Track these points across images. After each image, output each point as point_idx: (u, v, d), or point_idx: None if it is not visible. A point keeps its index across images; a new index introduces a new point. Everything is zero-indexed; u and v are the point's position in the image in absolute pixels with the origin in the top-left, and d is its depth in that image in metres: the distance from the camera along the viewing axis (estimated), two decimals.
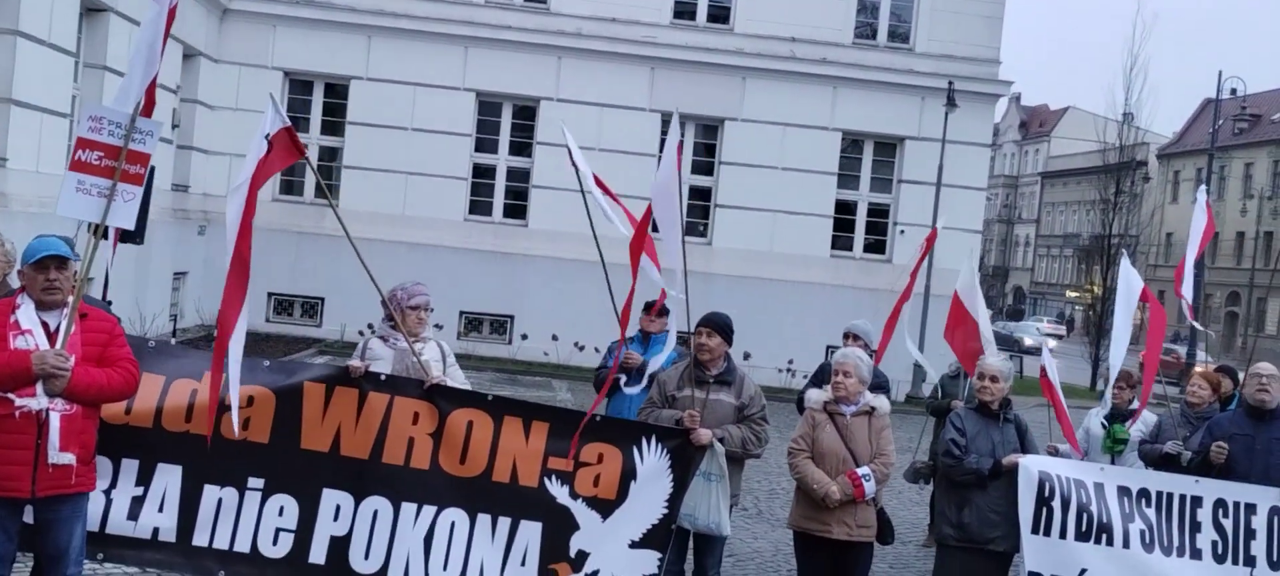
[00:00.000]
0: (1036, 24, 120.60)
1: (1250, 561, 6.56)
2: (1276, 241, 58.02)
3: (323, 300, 21.32)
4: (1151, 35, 75.74)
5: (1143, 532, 6.59)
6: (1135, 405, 8.68)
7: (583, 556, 5.94)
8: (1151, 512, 6.59)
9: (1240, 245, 60.92)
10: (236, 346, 5.18)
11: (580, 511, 5.95)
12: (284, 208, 20.69)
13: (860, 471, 6.35)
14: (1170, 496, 6.65)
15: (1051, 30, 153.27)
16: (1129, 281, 7.93)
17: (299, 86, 21.61)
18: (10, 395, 4.84)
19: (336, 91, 21.65)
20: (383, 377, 6.00)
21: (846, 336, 8.49)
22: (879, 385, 7.63)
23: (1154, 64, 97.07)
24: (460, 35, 21.32)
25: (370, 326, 6.63)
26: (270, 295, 21.10)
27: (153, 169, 6.24)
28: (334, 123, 21.56)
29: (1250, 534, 6.59)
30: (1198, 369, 9.34)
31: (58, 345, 4.95)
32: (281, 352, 17.16)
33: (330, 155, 21.64)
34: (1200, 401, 8.23)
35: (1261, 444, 6.99)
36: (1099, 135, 38.45)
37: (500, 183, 22.04)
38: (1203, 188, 9.24)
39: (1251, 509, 6.62)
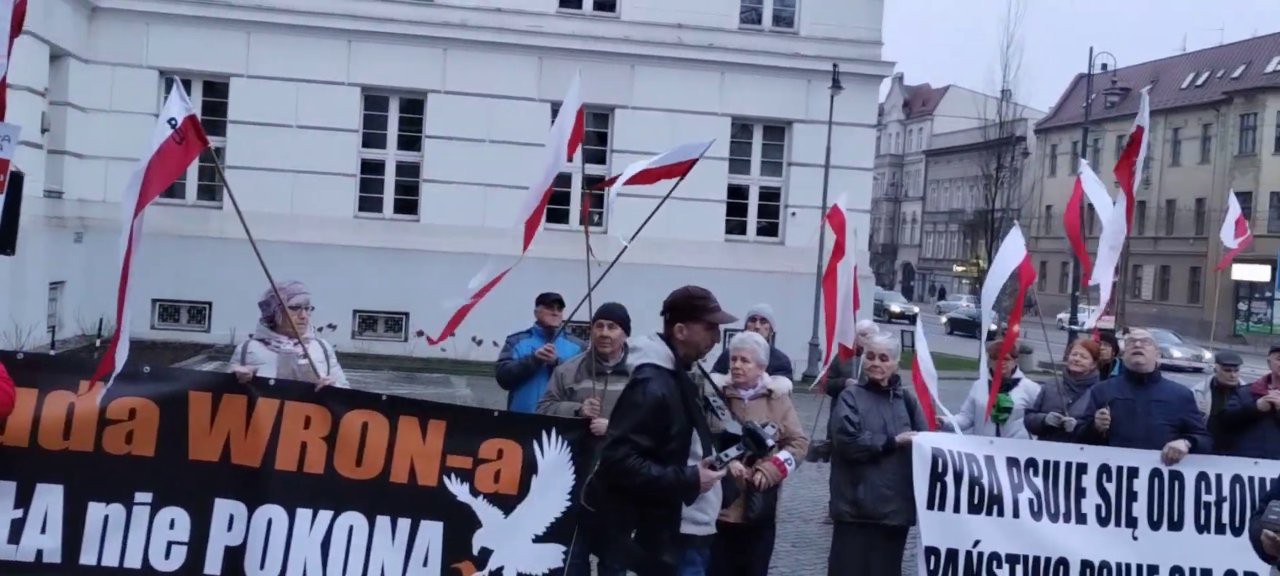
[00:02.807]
0: (916, 4, 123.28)
1: (1132, 523, 6.82)
2: (1149, 210, 60.29)
3: (210, 305, 20.78)
4: (1026, 14, 78.09)
5: (1031, 501, 6.80)
6: (1018, 375, 8.95)
7: (486, 553, 5.88)
8: (1039, 481, 6.80)
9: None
10: (123, 344, 5.05)
11: (482, 508, 5.89)
12: (166, 211, 20.07)
13: (781, 456, 6.42)
14: (1056, 464, 6.87)
15: (931, 10, 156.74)
16: (1010, 249, 8.16)
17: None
18: None
19: (216, 90, 21.08)
20: (272, 382, 5.86)
21: (751, 319, 8.56)
22: (780, 366, 7.74)
23: (1030, 42, 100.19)
24: (343, 29, 20.93)
25: (256, 329, 6.45)
26: (155, 301, 20.50)
27: (18, 175, 5.98)
28: (215, 122, 20.99)
29: (1132, 497, 6.84)
30: (1079, 338, 9.65)
31: None
32: (169, 360, 16.68)
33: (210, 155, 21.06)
34: (1082, 369, 8.51)
35: (1142, 407, 7.25)
36: (979, 112, 39.64)
37: (390, 178, 21.73)
38: (1083, 161, 9.54)
39: (1134, 472, 6.87)
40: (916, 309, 56.75)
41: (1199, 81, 61.32)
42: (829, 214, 11.14)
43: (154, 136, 5.23)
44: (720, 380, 6.69)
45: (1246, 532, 6.49)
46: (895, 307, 49.93)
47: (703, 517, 5.21)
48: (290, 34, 20.74)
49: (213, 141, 20.92)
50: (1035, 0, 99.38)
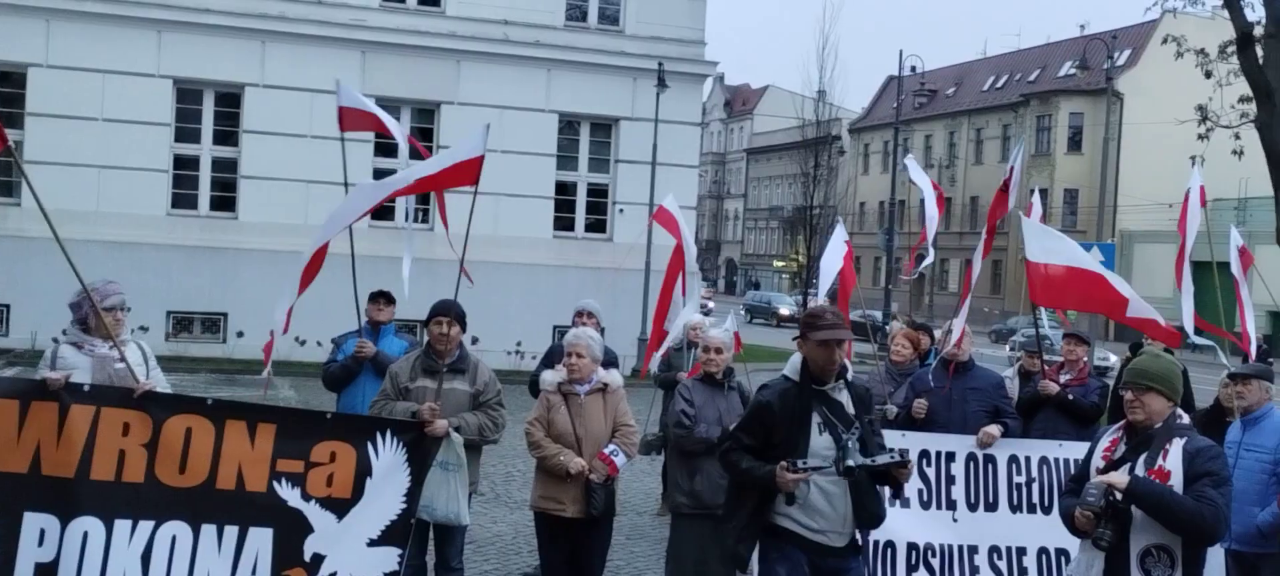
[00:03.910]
0: (736, 5, 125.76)
1: (952, 505, 7.14)
2: (954, 206, 63.16)
3: (8, 307, 19.55)
4: (841, 16, 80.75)
5: None
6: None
7: (318, 559, 5.74)
8: None
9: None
10: None
11: (314, 513, 5.74)
12: None
13: (607, 449, 6.45)
14: None
15: (750, 12, 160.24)
16: (835, 247, 8.43)
17: None
18: None
19: (12, 81, 19.83)
20: (86, 388, 5.57)
21: (578, 315, 8.58)
22: (609, 361, 7.79)
23: (844, 44, 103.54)
24: (153, 19, 20.00)
25: (64, 332, 6.13)
26: None
27: None
28: (11, 115, 19.74)
29: (950, 480, 7.16)
30: (898, 328, 10.03)
31: None
32: None
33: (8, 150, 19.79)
34: (903, 359, 8.85)
35: (958, 395, 7.60)
36: (797, 112, 40.73)
37: (205, 174, 20.87)
38: (909, 155, 9.90)
39: (951, 457, 7.19)
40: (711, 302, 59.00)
41: (999, 84, 64.67)
42: (655, 214, 11.25)
43: None
44: (553, 377, 6.70)
45: (1057, 511, 6.91)
46: (784, 310, 51.14)
47: (809, 522, 5.08)
48: (95, 23, 19.68)
49: (10, 134, 19.70)
50: (849, 4, 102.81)
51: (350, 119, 7.99)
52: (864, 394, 5.40)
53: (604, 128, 23.00)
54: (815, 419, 5.12)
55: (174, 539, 5.53)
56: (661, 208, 10.97)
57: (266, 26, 20.54)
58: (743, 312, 50.65)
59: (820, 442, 5.07)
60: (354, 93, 7.60)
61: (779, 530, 5.14)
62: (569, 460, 6.37)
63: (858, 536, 5.37)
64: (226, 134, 20.82)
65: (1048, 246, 7.37)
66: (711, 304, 47.21)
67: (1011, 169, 8.96)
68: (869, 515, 5.23)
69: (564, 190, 22.74)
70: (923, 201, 8.99)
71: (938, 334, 8.93)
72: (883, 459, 5.06)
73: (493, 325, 19.37)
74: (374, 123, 8.20)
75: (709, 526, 6.83)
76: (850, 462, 4.99)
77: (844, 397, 5.23)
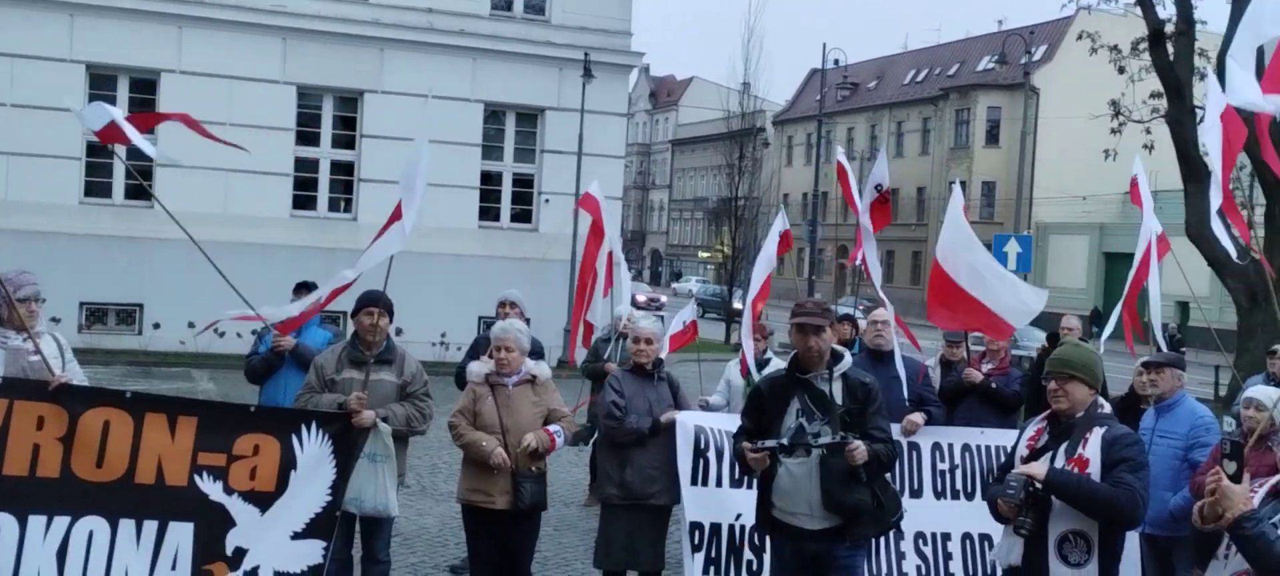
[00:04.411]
0: None
1: None
2: None
3: None
4: (766, 9, 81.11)
5: None
6: (769, 355, 9.31)
7: (241, 553, 5.66)
8: None
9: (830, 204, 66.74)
10: None
11: (236, 507, 5.66)
12: None
13: (551, 428, 6.43)
14: None
15: (676, 2, 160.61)
16: (773, 238, 8.49)
17: None
18: None
19: None
20: None
21: (501, 305, 8.54)
22: (535, 351, 7.76)
23: (769, 37, 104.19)
24: (65, 2, 19.45)
25: None
26: None
27: None
28: None
29: None
30: None
31: None
32: None
33: None
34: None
35: (882, 384, 7.65)
36: (722, 104, 40.82)
37: (119, 162, 20.34)
38: (839, 148, 9.96)
39: None
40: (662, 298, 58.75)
41: (919, 78, 65.58)
42: (581, 200, 11.27)
43: None
44: (481, 369, 6.64)
45: (980, 496, 7.04)
46: (738, 305, 50.74)
47: (782, 504, 5.39)
48: (2, 4, 19.09)
49: None
50: None
51: (109, 133, 7.27)
52: (858, 386, 5.50)
53: (530, 118, 22.88)
54: (795, 405, 5.36)
55: (91, 534, 5.41)
56: (588, 194, 11.00)
57: (184, 11, 20.07)
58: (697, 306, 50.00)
59: (799, 426, 5.31)
60: (96, 112, 6.89)
61: (774, 520, 5.47)
62: (491, 448, 6.31)
63: (864, 531, 5.51)
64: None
65: (959, 253, 7.48)
66: (664, 299, 47.09)
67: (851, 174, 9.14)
68: (835, 502, 5.32)
69: (489, 180, 22.57)
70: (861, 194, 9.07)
71: (861, 324, 9.04)
72: (823, 440, 5.23)
73: (417, 316, 19.17)
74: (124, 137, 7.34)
75: (639, 516, 6.85)
76: (783, 440, 5.25)
77: (833, 387, 5.39)
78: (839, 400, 5.38)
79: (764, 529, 5.61)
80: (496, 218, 22.68)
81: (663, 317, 9.90)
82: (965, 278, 7.42)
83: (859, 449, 5.26)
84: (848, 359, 5.63)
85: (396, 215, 6.59)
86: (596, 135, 22.35)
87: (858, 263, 9.10)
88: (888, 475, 5.68)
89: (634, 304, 12.41)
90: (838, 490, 5.31)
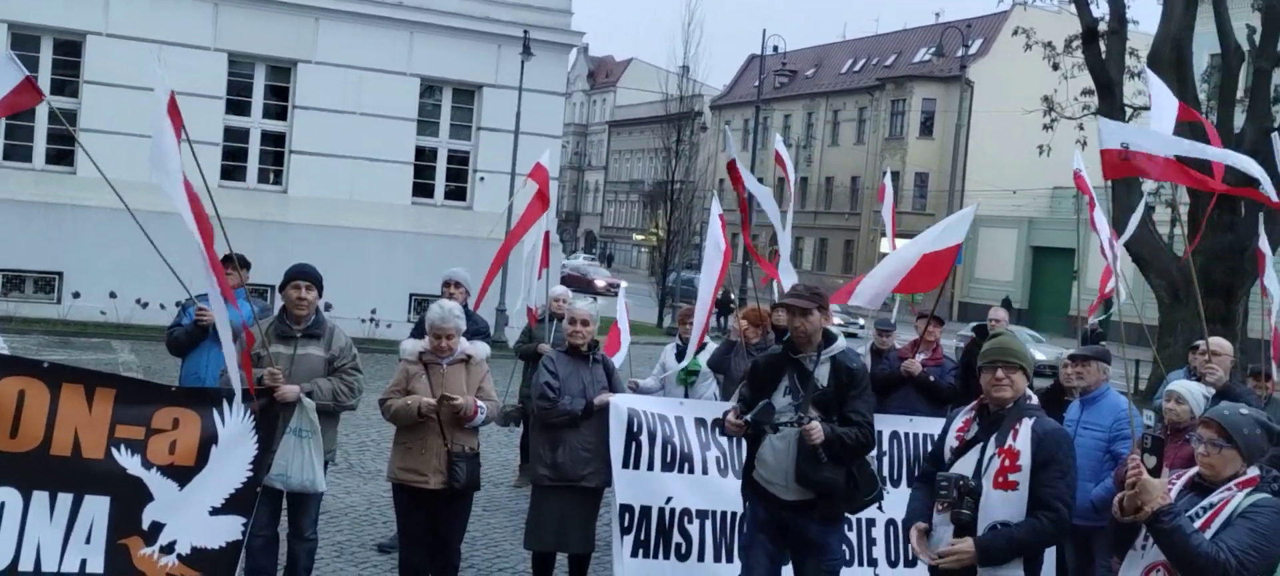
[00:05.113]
0: None
1: None
2: (810, 186, 64.50)
3: None
4: None
5: (718, 459, 7.12)
6: (706, 341, 9.32)
7: (157, 527, 5.51)
8: (725, 440, 7.10)
9: (780, 189, 67.08)
10: None
11: (154, 481, 5.50)
12: None
13: (478, 403, 6.36)
14: None
15: None
16: (716, 225, 8.49)
17: None
18: None
19: None
20: None
21: (445, 284, 8.42)
22: (478, 331, 7.70)
23: (709, 20, 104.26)
24: None
25: None
26: None
27: None
28: None
29: None
30: (746, 309, 10.21)
31: None
32: None
33: None
34: (752, 337, 8.99)
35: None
36: (660, 86, 40.80)
37: (41, 126, 19.76)
38: (778, 136, 10.02)
39: None
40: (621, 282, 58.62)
41: (857, 67, 66.08)
42: (531, 171, 11.16)
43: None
44: (415, 346, 6.54)
45: (905, 484, 7.10)
46: (599, 282, 50.43)
47: (762, 471, 5.75)
48: None
49: None
50: None
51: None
52: (844, 370, 5.69)
53: (466, 94, 22.65)
54: (784, 382, 5.69)
55: (2, 506, 5.24)
56: (538, 165, 10.93)
57: None
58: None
59: (781, 403, 5.65)
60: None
61: (754, 482, 5.81)
62: (417, 401, 6.22)
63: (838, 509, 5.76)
64: (63, 84, 19.74)
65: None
66: (624, 283, 46.75)
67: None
68: (803, 475, 5.60)
69: (423, 156, 22.31)
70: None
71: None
72: (786, 418, 5.59)
73: (347, 291, 18.92)
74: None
75: (570, 498, 6.81)
76: (748, 416, 5.63)
77: (821, 370, 5.67)
78: (824, 382, 5.66)
79: (746, 488, 5.91)
80: (430, 194, 22.43)
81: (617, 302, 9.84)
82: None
83: (815, 429, 5.49)
84: (841, 342, 5.81)
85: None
86: (534, 114, 22.18)
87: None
88: (866, 457, 5.84)
89: (593, 289, 12.38)
90: (808, 467, 5.57)
